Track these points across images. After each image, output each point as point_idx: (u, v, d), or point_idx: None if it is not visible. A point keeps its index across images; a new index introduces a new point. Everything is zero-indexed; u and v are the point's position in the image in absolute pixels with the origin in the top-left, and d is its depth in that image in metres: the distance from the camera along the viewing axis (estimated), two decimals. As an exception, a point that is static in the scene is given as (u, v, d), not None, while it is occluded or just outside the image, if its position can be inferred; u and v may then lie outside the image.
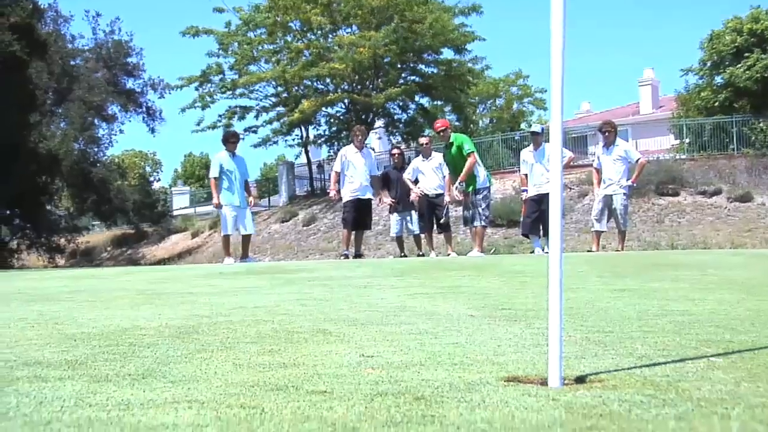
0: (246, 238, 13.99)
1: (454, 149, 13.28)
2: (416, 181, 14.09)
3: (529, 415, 1.84)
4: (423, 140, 14.70)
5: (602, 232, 13.56)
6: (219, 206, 13.58)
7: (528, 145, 14.40)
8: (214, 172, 13.71)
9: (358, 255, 14.28)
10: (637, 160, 13.30)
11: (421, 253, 14.46)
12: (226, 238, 13.83)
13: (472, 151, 13.19)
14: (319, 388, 2.23)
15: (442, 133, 13.53)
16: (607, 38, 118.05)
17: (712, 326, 3.59)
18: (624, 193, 13.15)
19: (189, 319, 4.30)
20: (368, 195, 14.11)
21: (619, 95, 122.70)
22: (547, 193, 11.79)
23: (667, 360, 2.68)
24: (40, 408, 2.03)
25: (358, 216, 14.01)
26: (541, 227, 13.37)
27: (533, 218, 13.39)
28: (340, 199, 14.32)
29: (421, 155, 14.35)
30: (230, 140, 14.12)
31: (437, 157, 13.94)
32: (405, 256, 14.56)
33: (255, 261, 14.90)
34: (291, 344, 3.20)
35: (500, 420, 1.80)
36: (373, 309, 4.66)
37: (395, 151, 15.61)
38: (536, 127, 14.59)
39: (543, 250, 13.22)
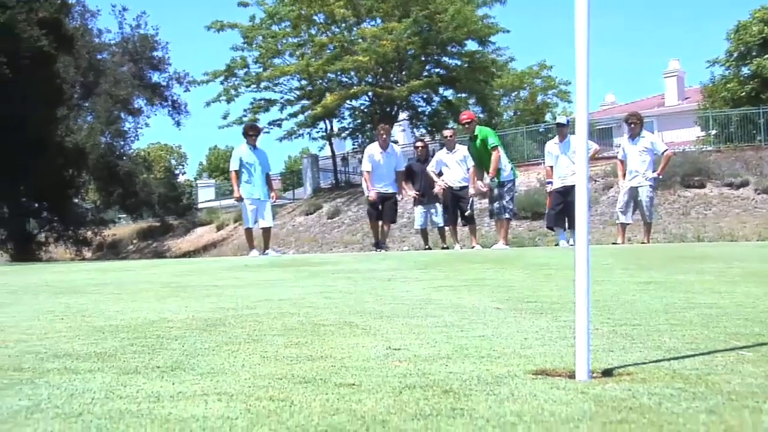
0: (266, 231, 13.99)
1: (478, 142, 13.25)
2: (440, 174, 14.08)
3: (559, 408, 1.83)
4: (447, 132, 14.71)
5: (627, 224, 13.47)
6: (240, 199, 13.59)
7: (553, 137, 14.35)
8: (233, 166, 13.69)
9: (378, 244, 14.44)
10: (663, 152, 13.20)
11: (445, 246, 14.44)
12: (248, 231, 13.84)
13: (497, 145, 13.16)
14: (347, 381, 2.24)
15: (467, 125, 13.49)
16: (633, 29, 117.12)
17: (740, 319, 3.56)
18: (649, 185, 13.05)
19: (215, 311, 4.32)
20: (391, 190, 14.16)
21: (644, 87, 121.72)
22: (573, 185, 11.80)
23: (696, 353, 2.66)
24: (72, 400, 2.05)
25: (382, 208, 14.13)
26: (566, 220, 13.32)
27: (558, 210, 13.34)
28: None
29: (445, 147, 14.34)
30: (249, 133, 14.07)
31: (461, 150, 13.91)
32: (429, 248, 14.57)
33: (279, 253, 14.92)
34: (317, 337, 3.21)
35: (529, 413, 1.79)
36: (399, 302, 4.66)
37: (419, 144, 15.62)
38: (561, 119, 14.54)
39: (568, 242, 13.18)
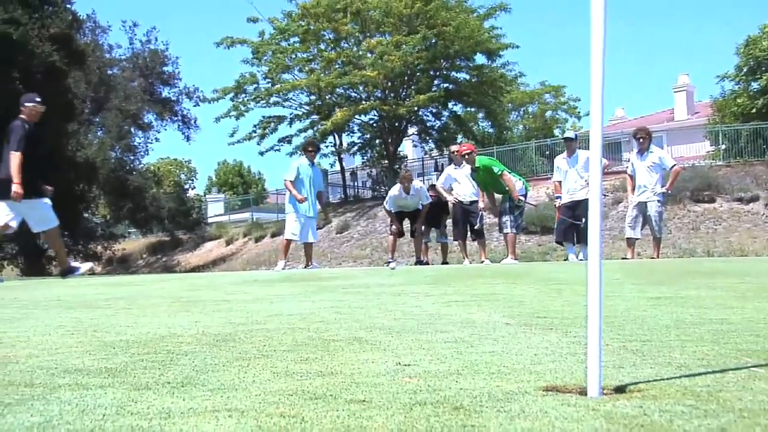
0: (309, 247, 14.27)
1: (481, 173, 13.38)
2: (450, 189, 14.17)
3: (570, 426, 1.83)
4: (455, 148, 14.78)
5: (636, 239, 13.44)
6: (303, 200, 13.65)
7: (562, 152, 14.38)
8: (290, 176, 13.75)
9: (419, 261, 15.04)
10: (672, 167, 13.18)
11: (445, 261, 14.66)
12: (288, 242, 13.93)
13: (503, 170, 13.32)
14: (357, 397, 2.24)
15: (467, 156, 13.59)
16: (642, 44, 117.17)
17: (751, 335, 3.55)
18: (658, 200, 13.03)
19: (225, 326, 4.32)
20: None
21: (653, 101, 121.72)
22: (581, 200, 11.86)
23: (707, 370, 2.65)
24: (83, 416, 2.05)
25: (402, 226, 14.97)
26: (574, 235, 13.32)
27: (567, 225, 13.33)
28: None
29: (453, 163, 14.39)
30: (309, 149, 14.41)
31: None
32: (427, 262, 14.88)
33: (318, 267, 15.15)
34: (327, 352, 3.21)
35: (540, 430, 1.79)
36: (408, 317, 4.66)
37: (432, 193, 15.71)
38: (570, 133, 14.59)
39: (577, 257, 13.17)
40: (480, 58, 35.79)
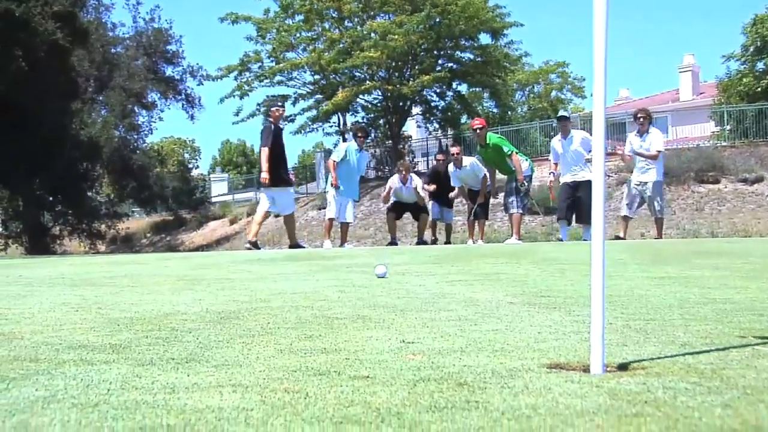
0: (346, 226, 14.57)
1: (490, 150, 13.37)
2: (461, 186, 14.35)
3: (574, 402, 1.83)
4: (454, 150, 14.75)
5: (630, 218, 13.37)
6: (337, 187, 13.93)
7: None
8: (336, 156, 14.18)
9: (421, 242, 15.06)
10: (657, 150, 13.03)
11: (448, 242, 14.84)
12: (330, 221, 14.23)
13: (513, 151, 13.31)
14: (361, 374, 2.24)
15: (479, 131, 13.56)
16: (648, 24, 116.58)
17: (755, 314, 3.55)
18: (656, 181, 12.95)
19: (229, 304, 4.34)
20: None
21: (658, 82, 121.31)
22: (582, 181, 11.88)
23: (711, 348, 2.65)
24: (88, 391, 2.06)
25: (402, 208, 15.07)
26: (573, 215, 13.38)
27: (567, 204, 13.33)
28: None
29: (453, 164, 14.35)
30: (359, 134, 14.90)
31: (469, 163, 14.15)
32: (436, 240, 14.99)
33: (352, 246, 15.48)
34: (331, 330, 3.22)
35: (544, 406, 1.79)
36: (412, 296, 4.66)
37: (440, 156, 15.76)
38: (563, 112, 14.56)
39: (583, 238, 13.22)
40: (484, 38, 35.64)
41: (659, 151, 13.01)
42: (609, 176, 24.45)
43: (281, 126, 13.64)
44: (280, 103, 14.68)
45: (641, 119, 13.09)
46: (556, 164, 13.73)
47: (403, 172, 14.63)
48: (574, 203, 13.14)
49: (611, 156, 22.89)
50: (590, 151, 13.12)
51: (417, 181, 14.70)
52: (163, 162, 44.42)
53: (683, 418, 1.66)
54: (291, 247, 13.55)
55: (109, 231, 37.45)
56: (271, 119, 13.36)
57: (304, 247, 14.34)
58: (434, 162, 16.47)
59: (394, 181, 14.84)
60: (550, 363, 2.39)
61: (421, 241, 14.92)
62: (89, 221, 36.12)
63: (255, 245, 13.16)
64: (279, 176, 12.94)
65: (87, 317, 3.82)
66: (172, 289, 5.50)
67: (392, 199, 14.86)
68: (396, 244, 14.44)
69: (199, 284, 5.87)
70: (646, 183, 12.84)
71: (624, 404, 1.80)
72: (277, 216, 14.08)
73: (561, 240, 13.55)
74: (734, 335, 2.95)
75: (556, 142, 13.68)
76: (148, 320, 3.65)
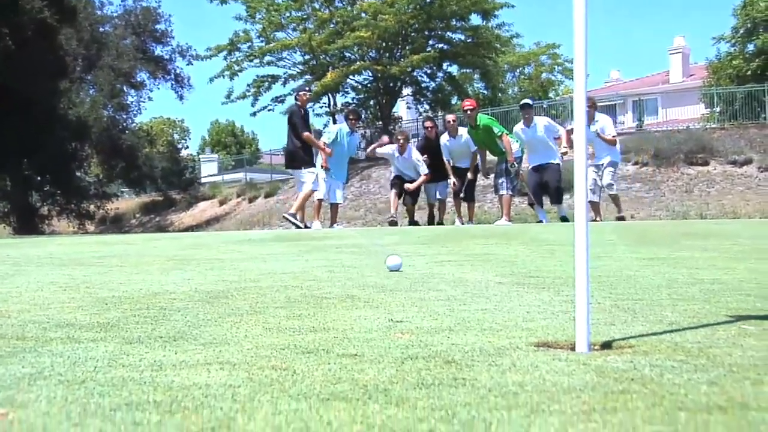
0: (335, 207, 14.49)
1: (480, 131, 13.32)
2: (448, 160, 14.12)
3: (561, 379, 1.84)
4: (450, 117, 14.57)
5: (596, 202, 13.41)
6: (327, 168, 13.78)
7: (556, 114, 14.32)
8: (327, 138, 14.06)
9: (412, 222, 14.70)
10: (611, 135, 13.26)
11: (441, 221, 14.65)
12: (320, 202, 14.18)
13: (503, 132, 13.28)
14: (349, 352, 2.25)
15: (469, 112, 13.50)
16: (638, 5, 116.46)
17: (742, 294, 3.57)
18: (609, 165, 13.16)
19: (218, 284, 4.33)
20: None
21: (649, 63, 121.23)
22: (547, 164, 12.06)
23: (698, 327, 2.66)
24: (75, 368, 2.06)
25: (401, 185, 14.47)
26: (545, 197, 13.49)
27: (536, 188, 13.41)
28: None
29: (448, 132, 14.15)
30: (351, 117, 14.85)
31: (464, 133, 13.90)
32: (441, 221, 14.77)
33: (342, 227, 15.35)
34: (320, 309, 3.22)
35: (531, 383, 1.80)
36: (402, 276, 4.67)
37: (428, 123, 15.28)
38: (527, 100, 14.55)
39: (559, 216, 13.43)
40: (475, 19, 35.53)
41: (614, 136, 13.36)
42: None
43: (307, 109, 14.13)
44: (307, 88, 15.55)
45: (588, 107, 13.24)
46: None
47: (401, 141, 14.40)
48: (543, 187, 13.29)
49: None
50: (554, 138, 13.30)
51: (416, 154, 14.48)
52: (153, 142, 44.18)
53: (669, 395, 1.67)
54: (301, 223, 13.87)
55: (98, 211, 37.30)
56: (298, 103, 13.98)
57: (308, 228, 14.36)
58: (423, 131, 15.52)
59: (392, 149, 14.64)
60: (537, 341, 2.40)
61: (413, 222, 14.79)
62: (78, 201, 35.97)
63: (300, 222, 13.54)
64: (302, 157, 13.45)
65: (75, 296, 3.81)
66: (161, 269, 5.49)
67: (392, 173, 14.66)
68: (396, 224, 14.25)
69: (188, 264, 5.86)
70: (601, 165, 13.00)
71: (611, 381, 1.81)
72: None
73: (541, 222, 13.59)
74: (721, 315, 2.96)
75: (519, 130, 13.65)
76: (136, 299, 3.64)
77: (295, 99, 14.59)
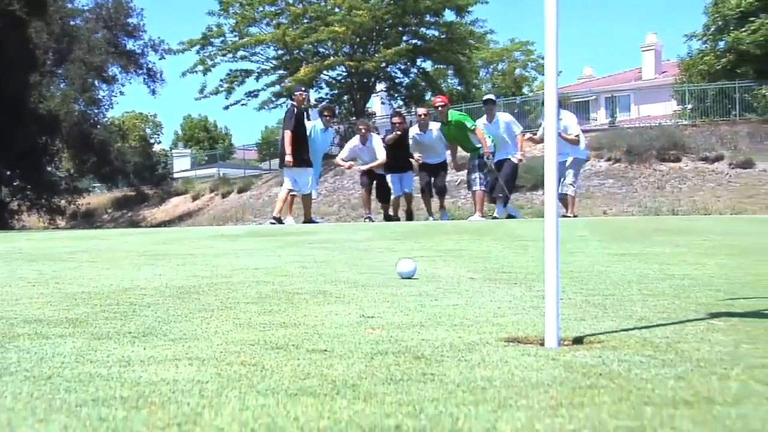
0: (306, 198, 14.33)
1: (452, 127, 13.32)
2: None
3: (529, 374, 1.84)
4: (421, 111, 14.52)
5: (565, 196, 13.46)
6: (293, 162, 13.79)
7: (530, 110, 14.37)
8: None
9: (388, 217, 14.57)
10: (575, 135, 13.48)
11: (410, 211, 14.43)
12: (292, 198, 14.26)
13: (476, 126, 13.27)
14: (319, 347, 2.24)
15: (440, 109, 13.50)
16: (611, 2, 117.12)
17: (712, 290, 3.60)
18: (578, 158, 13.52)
19: (189, 279, 4.31)
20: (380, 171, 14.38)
21: (621, 60, 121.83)
22: (504, 159, 12.30)
23: (667, 322, 2.68)
24: (41, 364, 2.04)
25: (375, 181, 14.39)
26: (500, 193, 13.50)
27: (494, 183, 13.43)
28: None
29: (418, 126, 14.07)
30: (325, 114, 14.96)
31: (434, 128, 13.82)
32: (398, 217, 14.44)
33: (319, 223, 15.26)
34: (291, 305, 3.21)
35: (500, 378, 1.80)
36: (374, 271, 4.67)
37: (396, 119, 15.07)
38: (490, 95, 14.62)
39: (494, 215, 13.50)
40: (449, 15, 35.60)
41: (577, 135, 13.53)
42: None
43: (303, 108, 14.28)
44: (303, 88, 15.91)
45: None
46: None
47: (363, 130, 14.32)
48: (497, 182, 13.33)
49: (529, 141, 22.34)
50: (513, 135, 13.54)
51: (377, 142, 14.26)
52: (125, 137, 43.84)
53: (636, 390, 1.68)
54: (305, 222, 14.09)
55: (69, 206, 36.98)
56: (294, 103, 14.16)
57: (317, 222, 14.77)
58: (390, 125, 14.96)
59: (353, 141, 14.57)
60: (508, 337, 2.41)
61: (387, 217, 14.63)
62: (48, 196, 35.63)
63: (279, 221, 13.68)
64: (300, 157, 13.55)
65: (44, 292, 3.78)
66: (133, 265, 5.45)
67: (359, 164, 14.45)
68: (372, 220, 14.14)
69: (159, 260, 5.82)
70: (565, 162, 13.08)
71: (579, 376, 1.82)
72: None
73: (495, 218, 13.55)
74: (691, 310, 2.98)
75: (482, 125, 13.67)
76: (106, 295, 3.61)
77: (291, 99, 14.76)
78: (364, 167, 14.20)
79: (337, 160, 15.44)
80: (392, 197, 14.58)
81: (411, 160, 13.93)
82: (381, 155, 13.86)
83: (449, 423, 1.43)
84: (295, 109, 13.82)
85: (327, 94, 37.91)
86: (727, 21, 32.96)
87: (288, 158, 13.48)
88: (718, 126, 28.11)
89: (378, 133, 15.89)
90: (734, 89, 30.47)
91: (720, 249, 6.28)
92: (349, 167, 15.01)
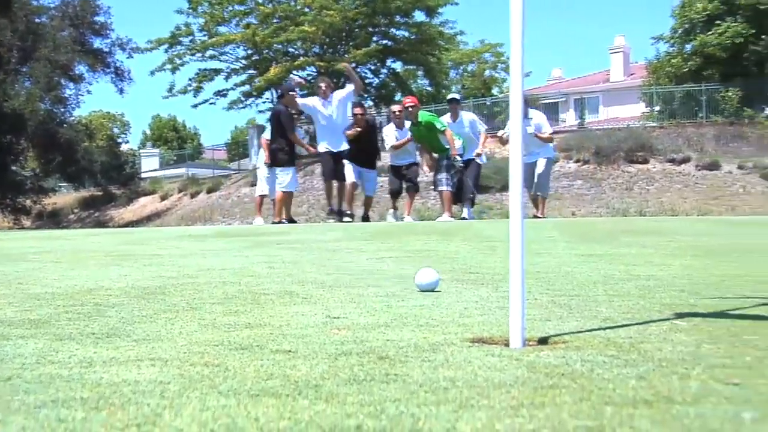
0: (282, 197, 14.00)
1: (422, 128, 13.31)
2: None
3: (492, 374, 1.85)
4: (396, 108, 14.42)
5: (534, 196, 13.60)
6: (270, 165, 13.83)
7: (499, 111, 14.42)
8: (268, 135, 13.97)
9: (340, 212, 13.78)
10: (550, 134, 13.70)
11: (366, 216, 14.17)
12: (261, 198, 14.45)
13: (446, 128, 13.24)
14: (283, 348, 2.23)
15: (411, 109, 13.45)
16: (579, 4, 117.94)
17: (676, 290, 3.63)
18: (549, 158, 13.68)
19: (155, 280, 4.28)
20: (343, 146, 13.62)
21: (590, 62, 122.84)
22: (468, 160, 12.38)
23: (631, 322, 2.70)
24: (1, 365, 2.02)
25: (337, 168, 13.62)
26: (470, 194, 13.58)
27: (459, 185, 13.48)
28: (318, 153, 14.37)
29: (393, 123, 14.02)
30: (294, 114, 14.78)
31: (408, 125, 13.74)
32: (351, 214, 13.89)
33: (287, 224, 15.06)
34: (257, 305, 3.20)
35: (463, 378, 1.81)
36: (342, 272, 4.66)
37: (357, 110, 14.12)
38: (454, 94, 14.67)
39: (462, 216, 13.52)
40: (419, 15, 35.67)
41: (552, 133, 13.54)
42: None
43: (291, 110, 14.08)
44: (297, 89, 15.71)
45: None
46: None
47: (323, 88, 13.81)
48: (461, 182, 13.38)
49: (495, 138, 22.03)
50: (477, 134, 13.57)
51: (340, 94, 13.78)
52: (92, 136, 43.37)
53: (597, 390, 1.69)
54: (288, 221, 13.91)
55: (34, 206, 36.60)
56: (284, 103, 13.93)
57: (296, 222, 14.78)
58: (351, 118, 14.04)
59: (313, 101, 13.99)
60: (473, 337, 2.41)
61: (340, 211, 14.00)
62: (13, 196, 35.24)
63: (291, 220, 13.85)
64: (281, 157, 13.49)
65: (6, 292, 3.73)
66: (98, 265, 5.41)
67: (322, 151, 13.75)
68: (336, 213, 13.73)
69: (126, 260, 5.78)
70: (536, 162, 13.16)
71: (541, 377, 1.83)
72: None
73: (465, 219, 13.55)
74: (655, 310, 3.01)
75: (446, 124, 13.70)
76: (70, 295, 3.58)
77: (279, 98, 14.52)
78: (349, 132, 13.54)
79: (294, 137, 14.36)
80: (347, 186, 13.75)
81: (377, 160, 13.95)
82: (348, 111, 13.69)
83: (410, 423, 1.43)
84: (286, 110, 13.68)
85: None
86: (693, 24, 33.34)
87: (265, 159, 13.58)
88: (684, 128, 28.43)
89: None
90: (701, 92, 30.83)
91: (686, 250, 6.35)
92: (315, 152, 14.58)
